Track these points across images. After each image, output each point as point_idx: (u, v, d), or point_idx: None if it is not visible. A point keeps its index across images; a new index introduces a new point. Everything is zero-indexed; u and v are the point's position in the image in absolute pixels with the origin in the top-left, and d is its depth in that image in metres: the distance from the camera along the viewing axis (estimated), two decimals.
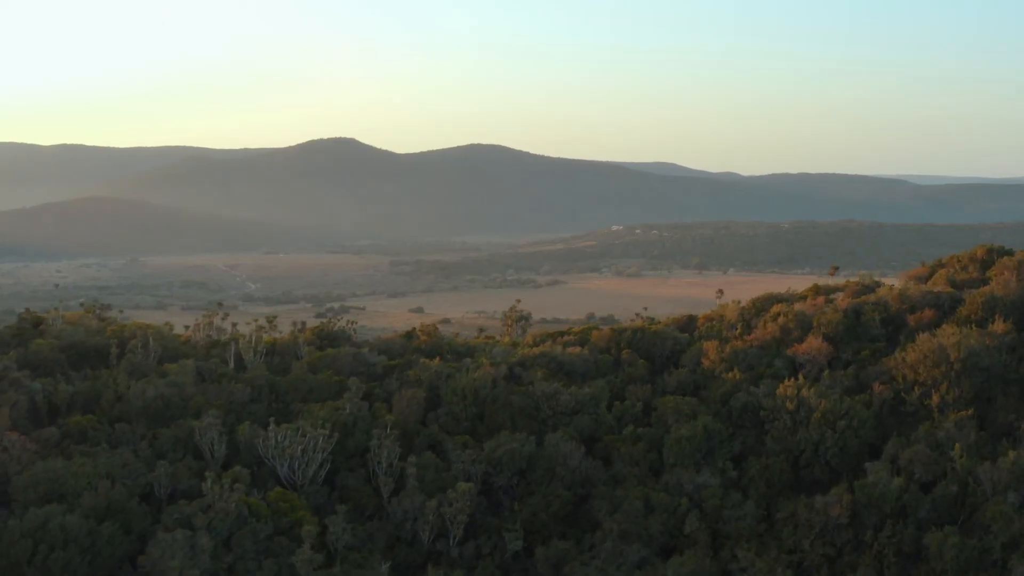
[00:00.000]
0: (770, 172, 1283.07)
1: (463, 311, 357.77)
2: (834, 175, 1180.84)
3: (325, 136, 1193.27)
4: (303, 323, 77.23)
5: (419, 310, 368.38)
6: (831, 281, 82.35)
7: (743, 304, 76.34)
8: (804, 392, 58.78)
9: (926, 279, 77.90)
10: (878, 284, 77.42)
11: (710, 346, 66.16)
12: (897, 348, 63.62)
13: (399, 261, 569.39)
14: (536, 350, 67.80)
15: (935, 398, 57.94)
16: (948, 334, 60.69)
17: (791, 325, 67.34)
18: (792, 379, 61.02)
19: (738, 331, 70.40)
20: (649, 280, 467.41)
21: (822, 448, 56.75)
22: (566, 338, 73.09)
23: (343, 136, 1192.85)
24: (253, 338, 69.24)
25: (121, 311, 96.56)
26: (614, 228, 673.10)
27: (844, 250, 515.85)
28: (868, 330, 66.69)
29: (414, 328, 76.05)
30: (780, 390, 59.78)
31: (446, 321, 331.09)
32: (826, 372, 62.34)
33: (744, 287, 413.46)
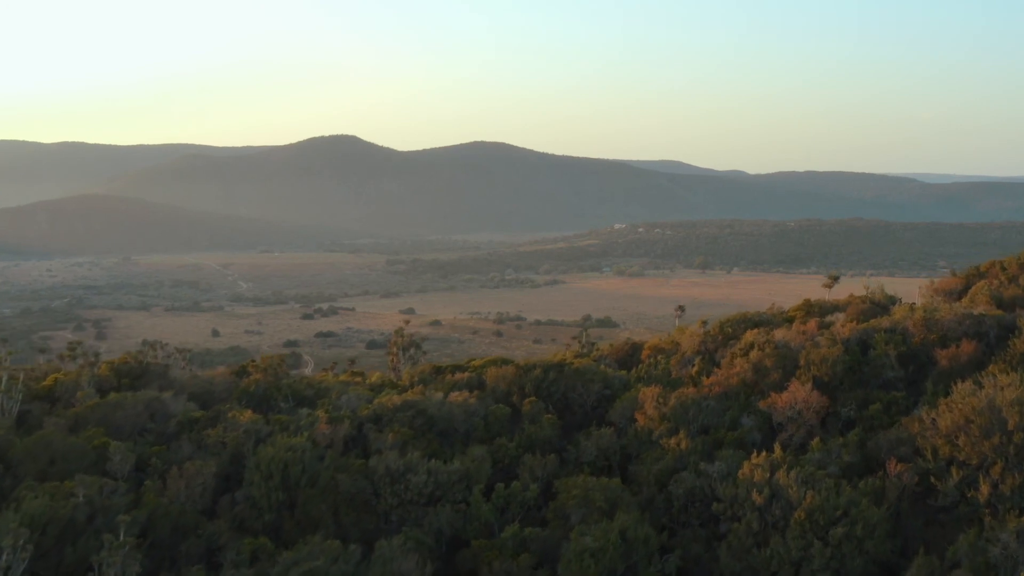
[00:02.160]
0: (777, 170, 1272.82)
1: (456, 312, 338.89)
2: (841, 173, 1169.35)
3: (326, 134, 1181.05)
4: (96, 354, 56.56)
5: (410, 311, 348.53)
6: (829, 294, 61.20)
7: (708, 327, 55.46)
8: (781, 477, 37.86)
9: (959, 294, 56.70)
10: (893, 301, 56.35)
11: (648, 395, 45.16)
12: (922, 401, 42.80)
13: (395, 260, 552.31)
14: (398, 398, 46.77)
15: (984, 489, 36.92)
16: (1002, 384, 39.73)
17: (768, 363, 46.41)
18: (765, 452, 40.12)
19: (695, 368, 49.49)
20: (651, 280, 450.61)
21: (807, 570, 35.88)
22: (457, 376, 52.21)
23: (344, 133, 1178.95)
24: (4, 377, 48.55)
25: None
26: (616, 226, 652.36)
27: (851, 249, 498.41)
28: (879, 372, 45.75)
29: (251, 361, 55.29)
30: (745, 470, 38.90)
31: (436, 323, 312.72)
32: (816, 441, 41.31)
33: (748, 287, 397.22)
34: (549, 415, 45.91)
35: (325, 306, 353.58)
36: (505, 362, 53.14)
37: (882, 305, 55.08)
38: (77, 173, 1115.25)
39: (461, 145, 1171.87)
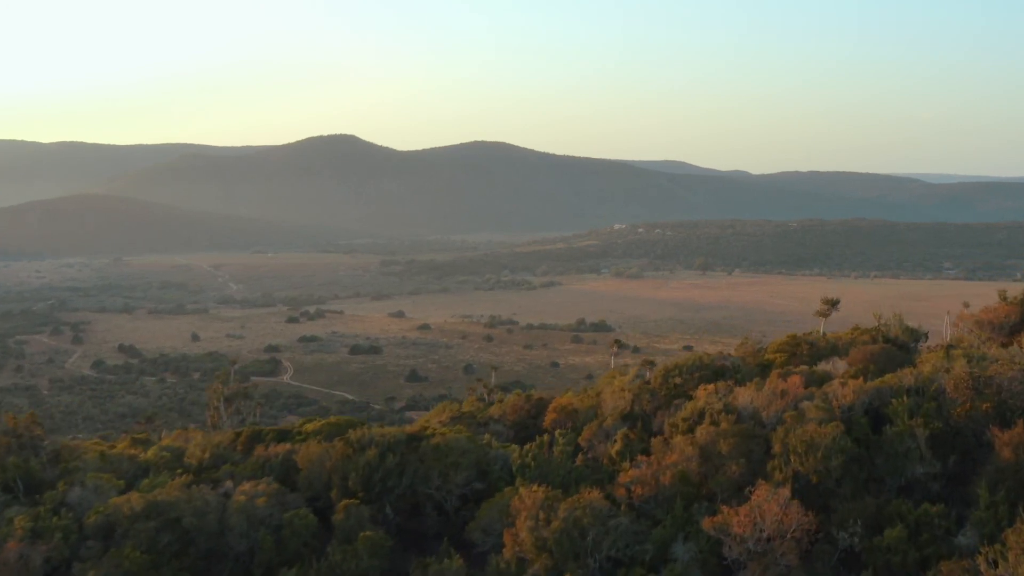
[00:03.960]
0: (780, 170, 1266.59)
1: (447, 315, 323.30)
2: (845, 173, 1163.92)
3: (326, 133, 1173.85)
4: None
5: (400, 314, 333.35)
6: (824, 324, 43.68)
7: (648, 377, 38.14)
8: None
9: (1012, 328, 39.05)
10: (917, 337, 38.78)
11: (524, 503, 27.76)
12: (972, 524, 25.59)
13: (390, 261, 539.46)
14: (140, 499, 29.29)
15: None
16: None
17: (723, 447, 29.07)
18: None
19: (615, 447, 32.24)
20: (649, 281, 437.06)
21: None
22: (272, 451, 34.89)
23: (344, 133, 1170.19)
24: None
25: None
26: (616, 227, 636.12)
27: (854, 250, 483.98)
28: (901, 465, 28.39)
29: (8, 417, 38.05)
30: None
31: (425, 327, 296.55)
32: None
33: (748, 289, 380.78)
34: (369, 532, 28.45)
35: (312, 309, 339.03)
36: (345, 428, 35.53)
37: (901, 344, 37.61)
38: (76, 173, 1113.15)
39: (461, 145, 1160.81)
